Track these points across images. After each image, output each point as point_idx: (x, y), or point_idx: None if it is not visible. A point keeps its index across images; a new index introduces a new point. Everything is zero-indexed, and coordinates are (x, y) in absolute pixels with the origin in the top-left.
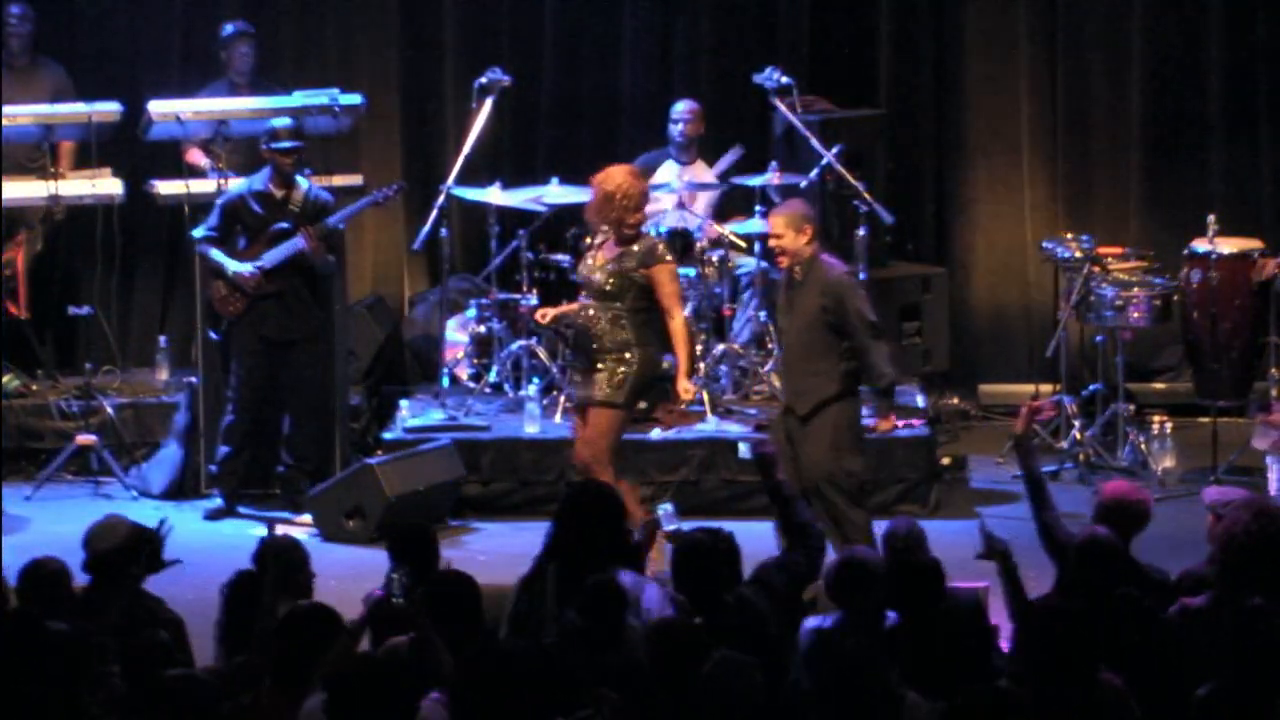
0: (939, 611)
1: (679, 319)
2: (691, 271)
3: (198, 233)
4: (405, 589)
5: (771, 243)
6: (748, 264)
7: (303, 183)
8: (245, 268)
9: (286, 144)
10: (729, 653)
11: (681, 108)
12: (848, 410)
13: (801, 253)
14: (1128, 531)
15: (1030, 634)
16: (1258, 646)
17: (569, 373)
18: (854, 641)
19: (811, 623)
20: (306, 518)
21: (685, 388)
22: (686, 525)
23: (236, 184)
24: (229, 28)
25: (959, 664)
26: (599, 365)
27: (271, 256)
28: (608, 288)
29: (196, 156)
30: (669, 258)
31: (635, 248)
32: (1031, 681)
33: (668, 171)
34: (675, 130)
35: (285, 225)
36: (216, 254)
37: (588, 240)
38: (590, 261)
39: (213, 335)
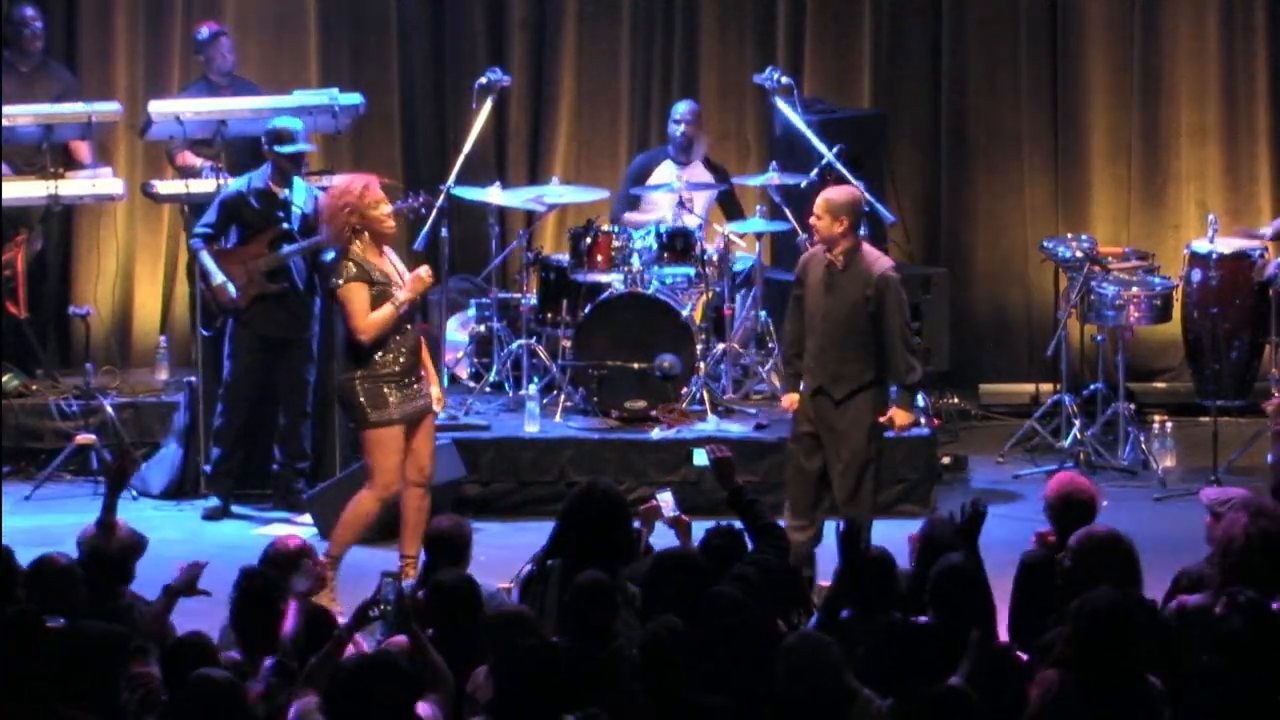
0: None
1: None
2: (691, 271)
3: (196, 230)
4: (397, 593)
5: (811, 220)
6: (746, 262)
7: (301, 184)
8: (230, 290)
9: (290, 149)
10: (808, 631)
11: (683, 108)
12: (880, 397)
13: (835, 240)
14: (1076, 525)
15: (1080, 629)
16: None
17: (398, 389)
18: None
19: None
20: (306, 518)
21: None
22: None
23: (237, 181)
24: (204, 30)
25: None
26: (421, 377)
27: (284, 253)
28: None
29: (189, 158)
30: None
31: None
32: (1078, 675)
33: (666, 172)
34: (676, 130)
35: (290, 226)
36: (207, 258)
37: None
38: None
39: (204, 332)
